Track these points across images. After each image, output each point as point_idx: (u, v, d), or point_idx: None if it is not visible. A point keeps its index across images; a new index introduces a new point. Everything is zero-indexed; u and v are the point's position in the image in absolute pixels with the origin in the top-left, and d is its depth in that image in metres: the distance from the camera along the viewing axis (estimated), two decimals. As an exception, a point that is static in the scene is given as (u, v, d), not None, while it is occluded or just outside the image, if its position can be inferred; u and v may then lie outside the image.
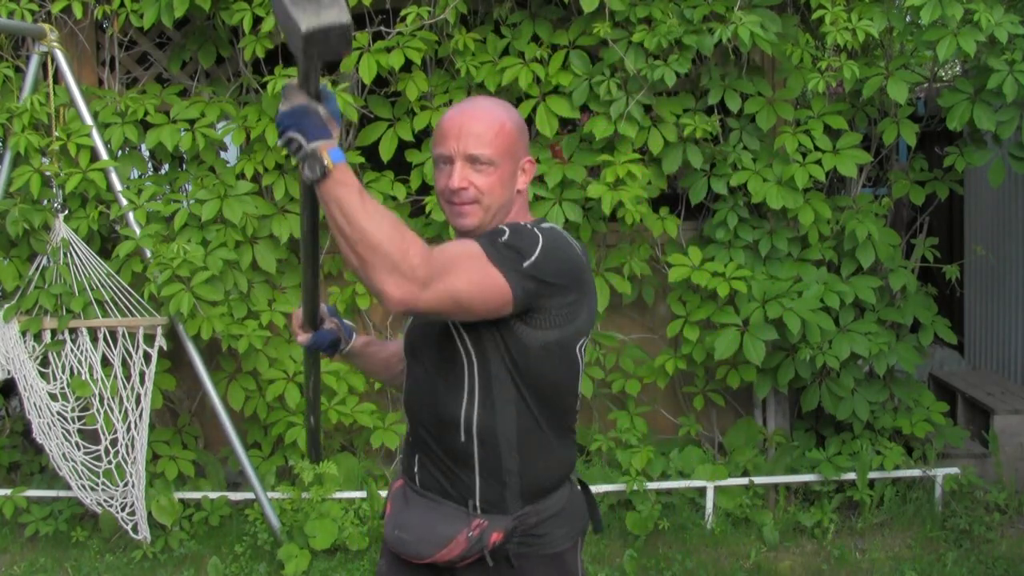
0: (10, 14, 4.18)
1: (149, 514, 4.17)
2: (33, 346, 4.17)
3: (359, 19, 4.47)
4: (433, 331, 1.89)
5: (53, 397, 4.13)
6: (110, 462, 4.09)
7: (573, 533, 1.97)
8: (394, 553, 1.98)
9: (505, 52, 4.30)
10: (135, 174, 4.47)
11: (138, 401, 4.08)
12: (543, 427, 1.87)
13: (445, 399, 1.86)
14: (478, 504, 1.87)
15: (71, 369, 4.15)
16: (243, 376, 4.39)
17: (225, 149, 4.55)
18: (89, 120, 4.16)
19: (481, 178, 1.84)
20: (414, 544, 1.90)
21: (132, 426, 4.08)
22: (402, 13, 4.15)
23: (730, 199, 4.30)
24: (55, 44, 4.11)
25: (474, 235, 1.85)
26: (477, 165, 1.84)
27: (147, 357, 4.09)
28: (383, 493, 4.24)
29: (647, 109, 4.25)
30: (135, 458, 4.08)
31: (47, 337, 4.17)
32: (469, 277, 1.68)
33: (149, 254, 4.09)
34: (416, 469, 1.95)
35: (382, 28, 4.24)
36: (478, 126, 1.85)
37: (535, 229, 1.82)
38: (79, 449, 4.11)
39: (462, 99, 4.44)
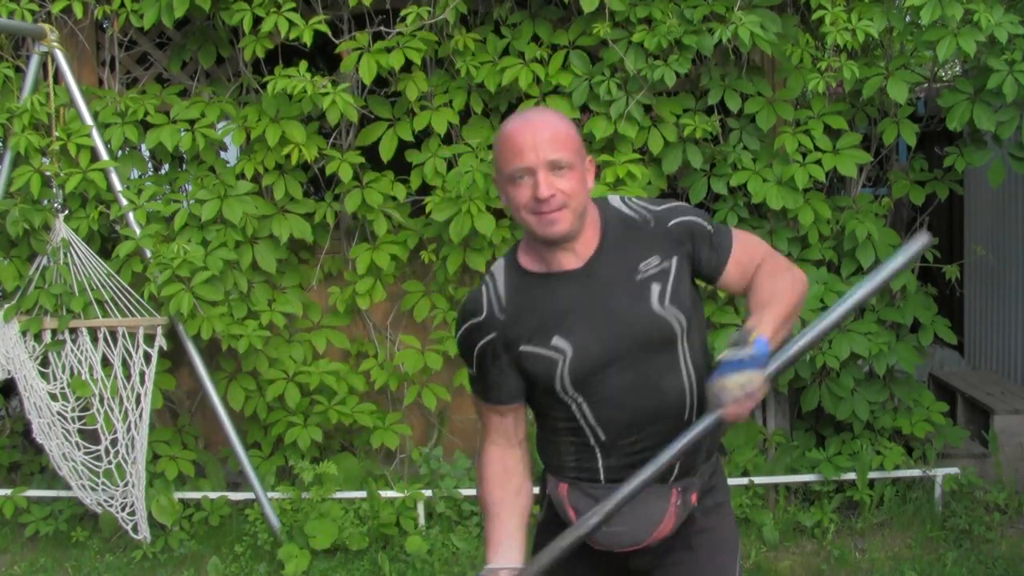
0: (10, 14, 4.18)
1: (149, 514, 4.17)
2: (33, 346, 4.17)
3: (359, 19, 4.48)
4: None
5: (53, 397, 4.14)
6: (110, 462, 4.10)
7: (725, 485, 2.18)
8: (592, 551, 2.05)
9: (505, 52, 4.30)
10: (135, 174, 4.47)
11: (138, 401, 4.08)
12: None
13: None
14: (673, 476, 2.02)
15: (71, 369, 4.15)
16: (243, 376, 4.39)
17: (225, 149, 4.55)
18: (89, 120, 4.16)
19: (564, 182, 1.91)
20: (631, 533, 2.01)
21: (132, 426, 4.08)
22: (402, 13, 4.15)
23: (730, 199, 4.30)
24: (55, 44, 4.12)
25: (568, 239, 1.95)
26: (559, 170, 1.90)
27: (147, 357, 4.09)
28: (383, 493, 4.25)
29: (647, 109, 4.25)
30: (135, 458, 4.08)
31: (47, 337, 4.17)
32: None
33: (149, 254, 4.09)
34: (603, 468, 2.02)
35: (382, 28, 4.24)
36: (549, 132, 1.91)
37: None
38: (79, 449, 4.11)
39: (460, 101, 4.48)
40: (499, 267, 2.05)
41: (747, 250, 2.07)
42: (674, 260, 1.99)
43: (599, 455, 2.00)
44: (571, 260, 1.98)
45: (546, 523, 2.16)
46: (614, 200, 2.06)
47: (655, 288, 1.95)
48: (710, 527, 2.11)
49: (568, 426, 2.01)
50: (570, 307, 1.96)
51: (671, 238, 2.00)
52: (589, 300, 1.96)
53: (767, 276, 2.03)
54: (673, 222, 2.01)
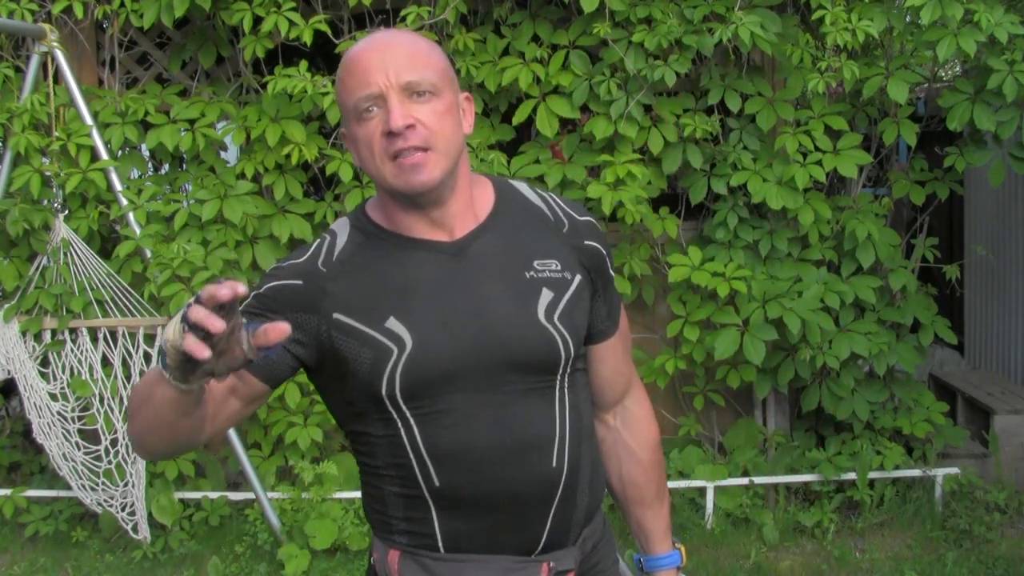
0: (10, 14, 4.18)
1: (149, 514, 4.17)
2: (33, 346, 4.17)
3: (359, 19, 4.48)
4: None
5: (53, 397, 4.13)
6: (110, 462, 4.10)
7: (614, 552, 1.69)
8: None
9: (505, 52, 4.30)
10: (135, 174, 4.48)
11: (138, 401, 4.08)
12: None
13: None
14: (542, 544, 1.50)
15: (71, 369, 4.15)
16: (243, 376, 4.38)
17: (225, 149, 4.55)
18: (89, 120, 4.16)
19: (427, 112, 1.40)
20: None
21: (132, 426, 4.08)
22: (402, 13, 4.15)
23: (730, 199, 4.30)
24: (55, 44, 4.11)
25: (434, 197, 1.44)
26: (419, 96, 1.40)
27: (147, 357, 4.09)
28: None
29: (647, 109, 4.25)
30: (135, 458, 4.08)
31: (47, 337, 4.17)
32: None
33: (149, 254, 4.09)
34: (440, 531, 1.49)
35: (382, 28, 4.24)
36: (405, 49, 1.42)
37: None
38: (79, 449, 4.11)
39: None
40: (342, 223, 1.55)
41: (626, 338, 1.67)
42: (577, 278, 1.51)
43: (434, 511, 1.46)
44: (436, 233, 1.48)
45: None
46: (518, 183, 1.61)
47: (546, 294, 1.47)
48: None
49: (393, 462, 1.47)
50: (420, 286, 1.45)
51: (580, 255, 1.54)
52: (450, 284, 1.45)
53: (648, 430, 1.69)
54: (589, 241, 1.55)
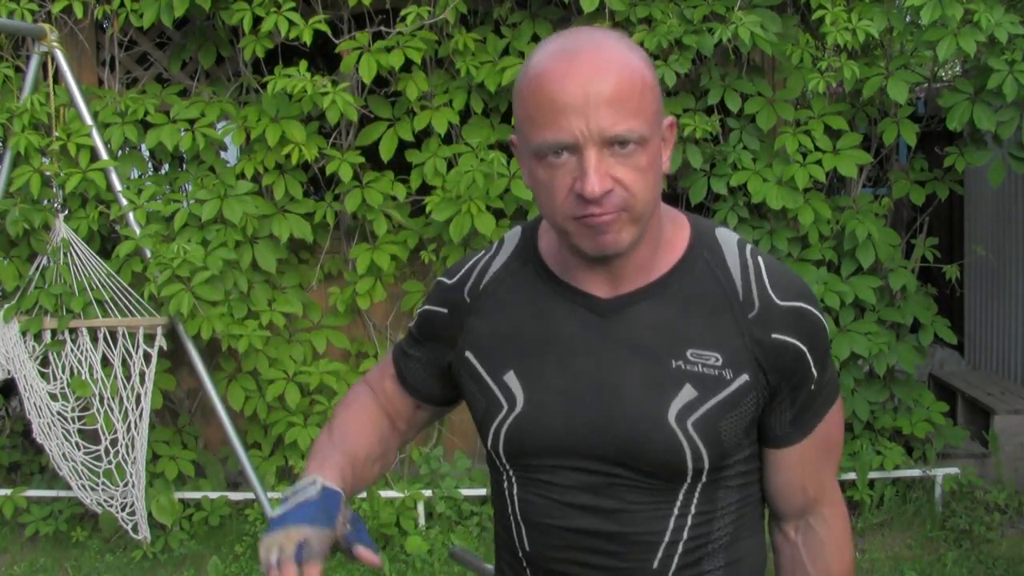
0: (10, 14, 4.18)
1: (149, 514, 4.17)
2: (33, 346, 4.17)
3: (359, 19, 4.48)
4: None
5: (53, 397, 4.13)
6: (110, 462, 4.10)
7: None
8: None
9: (505, 52, 4.30)
10: (135, 174, 4.48)
11: (138, 401, 4.08)
12: None
13: None
14: None
15: (71, 369, 4.15)
16: (243, 376, 4.39)
17: (225, 149, 4.55)
18: (89, 120, 4.16)
19: (628, 169, 1.15)
20: None
21: (132, 426, 4.08)
22: (402, 13, 4.15)
23: (730, 199, 4.30)
24: (55, 44, 4.11)
25: (628, 257, 1.24)
26: (622, 148, 1.14)
27: (147, 357, 4.09)
28: (383, 493, 4.24)
29: (647, 109, 4.24)
30: (135, 458, 4.08)
31: (47, 337, 4.17)
32: None
33: (149, 254, 4.09)
34: None
35: (382, 28, 4.24)
36: (611, 82, 1.13)
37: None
38: (79, 449, 4.11)
39: (460, 101, 4.49)
40: (513, 235, 1.39)
41: (824, 449, 1.42)
42: (742, 378, 1.25)
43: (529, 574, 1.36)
44: (597, 284, 1.28)
45: None
46: (729, 237, 1.31)
47: (687, 392, 1.24)
48: None
49: (500, 511, 1.40)
50: (553, 342, 1.28)
51: (759, 350, 1.26)
52: (587, 348, 1.27)
53: (832, 558, 1.43)
54: (779, 335, 1.26)
